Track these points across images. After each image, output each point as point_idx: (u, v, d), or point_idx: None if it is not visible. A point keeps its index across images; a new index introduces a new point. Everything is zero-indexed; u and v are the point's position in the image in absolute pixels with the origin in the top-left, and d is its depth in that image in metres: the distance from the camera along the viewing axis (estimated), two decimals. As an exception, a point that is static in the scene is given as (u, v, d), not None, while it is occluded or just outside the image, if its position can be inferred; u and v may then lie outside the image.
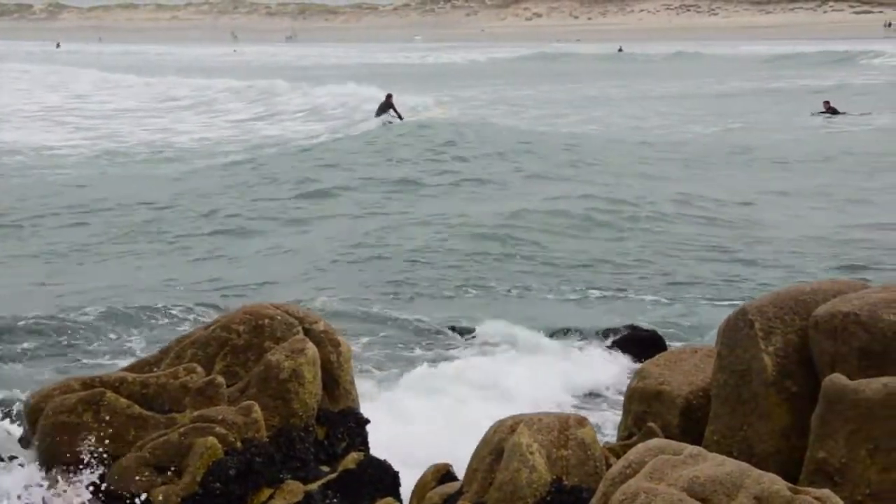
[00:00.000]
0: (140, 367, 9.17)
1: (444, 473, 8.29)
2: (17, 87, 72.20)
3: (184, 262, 19.26)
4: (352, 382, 9.29)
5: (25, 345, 13.90)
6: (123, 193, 26.46)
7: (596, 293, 16.87)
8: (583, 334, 14.03)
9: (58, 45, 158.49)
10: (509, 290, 17.00)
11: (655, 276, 17.80)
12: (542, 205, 23.56)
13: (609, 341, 13.66)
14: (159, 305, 15.47)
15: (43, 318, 14.74)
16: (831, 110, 45.27)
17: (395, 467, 8.89)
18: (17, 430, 8.96)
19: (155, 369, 9.01)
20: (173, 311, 15.27)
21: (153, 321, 14.90)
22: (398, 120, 40.66)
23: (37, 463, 8.43)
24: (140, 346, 13.79)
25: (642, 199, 24.29)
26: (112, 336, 14.31)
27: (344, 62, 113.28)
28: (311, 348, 8.89)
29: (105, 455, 8.31)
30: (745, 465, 6.41)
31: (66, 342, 14.07)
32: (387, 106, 41.73)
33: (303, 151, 35.08)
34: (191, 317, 14.98)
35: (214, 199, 25.63)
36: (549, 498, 7.47)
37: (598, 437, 8.06)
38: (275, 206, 24.74)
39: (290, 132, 43.95)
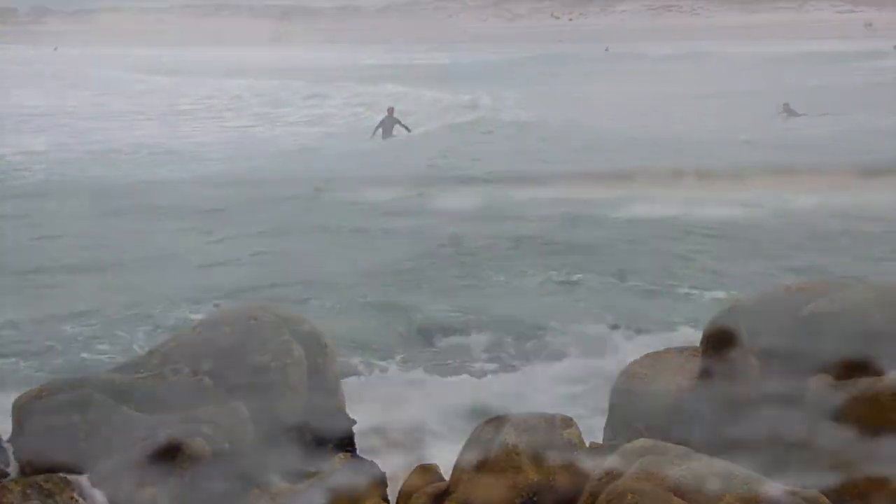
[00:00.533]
0: (127, 368, 9.16)
1: (431, 474, 8.29)
2: (13, 90, 71.95)
3: (177, 263, 19.22)
4: (338, 383, 9.30)
5: (12, 346, 13.86)
6: (117, 196, 26.43)
7: (581, 290, 16.88)
8: (568, 333, 14.05)
9: (55, 49, 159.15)
10: (497, 287, 17.03)
11: (639, 273, 17.80)
12: (540, 201, 23.73)
13: (593, 340, 13.69)
14: (148, 307, 15.45)
15: (30, 318, 14.71)
16: (789, 112, 46.08)
17: (382, 468, 8.89)
18: (4, 432, 8.93)
19: (142, 370, 9.00)
20: (161, 313, 15.25)
21: (141, 323, 14.87)
22: (406, 132, 39.46)
23: (24, 465, 8.41)
24: (127, 347, 13.76)
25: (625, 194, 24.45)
26: (99, 337, 14.28)
27: (332, 64, 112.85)
28: (298, 349, 8.90)
29: (93, 457, 8.30)
30: (732, 465, 6.43)
31: (53, 343, 14.03)
32: (391, 122, 39.74)
33: (306, 156, 35.06)
34: (182, 318, 14.95)
35: (212, 201, 25.59)
36: (535, 498, 7.48)
37: (584, 437, 8.06)
38: (274, 208, 24.70)
39: (291, 136, 43.71)
